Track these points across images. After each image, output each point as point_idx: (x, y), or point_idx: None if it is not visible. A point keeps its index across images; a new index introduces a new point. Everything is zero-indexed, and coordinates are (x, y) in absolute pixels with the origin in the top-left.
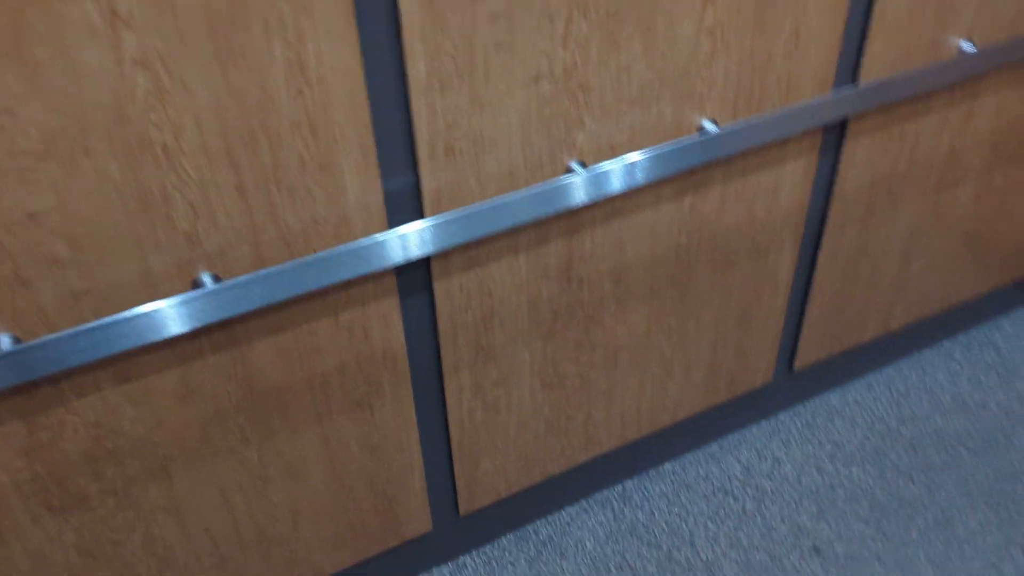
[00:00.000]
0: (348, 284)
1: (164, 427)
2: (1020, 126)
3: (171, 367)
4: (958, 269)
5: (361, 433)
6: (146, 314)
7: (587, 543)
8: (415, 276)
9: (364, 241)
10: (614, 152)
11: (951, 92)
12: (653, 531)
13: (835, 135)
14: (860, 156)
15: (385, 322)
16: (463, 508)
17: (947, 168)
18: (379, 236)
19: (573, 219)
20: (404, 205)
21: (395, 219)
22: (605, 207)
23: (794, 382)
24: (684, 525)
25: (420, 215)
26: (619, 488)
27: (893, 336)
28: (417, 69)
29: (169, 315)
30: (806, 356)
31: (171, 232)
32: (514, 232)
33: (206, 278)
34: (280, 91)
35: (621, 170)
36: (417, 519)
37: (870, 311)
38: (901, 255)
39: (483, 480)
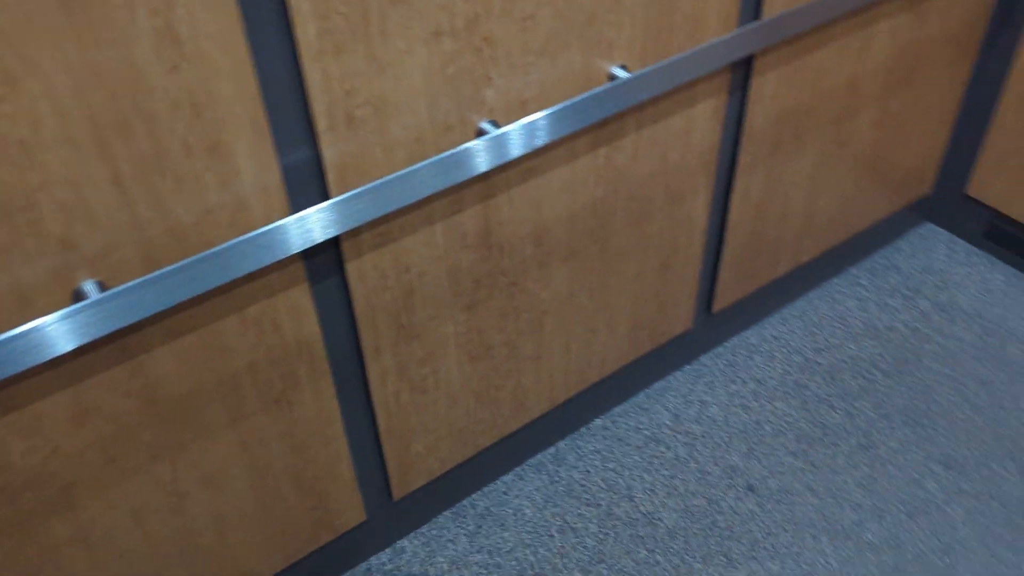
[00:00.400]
0: (252, 276)
1: (60, 455)
2: (911, 50)
3: (60, 389)
4: (860, 196)
5: (282, 431)
6: (23, 335)
7: (526, 510)
8: (325, 259)
9: (265, 228)
10: (525, 108)
11: (849, 20)
12: (590, 489)
13: (742, 72)
14: (767, 92)
15: (296, 312)
16: (397, 492)
17: (848, 97)
18: (281, 221)
19: (488, 183)
20: (306, 183)
21: (297, 200)
22: (519, 167)
23: (713, 324)
24: (620, 479)
25: (324, 193)
26: (552, 450)
27: (803, 269)
28: (307, 31)
29: (50, 334)
30: (724, 298)
31: (41, 239)
32: (427, 202)
33: (89, 287)
34: (152, 67)
35: (533, 127)
36: (350, 510)
37: (781, 247)
38: (809, 188)
39: (415, 462)
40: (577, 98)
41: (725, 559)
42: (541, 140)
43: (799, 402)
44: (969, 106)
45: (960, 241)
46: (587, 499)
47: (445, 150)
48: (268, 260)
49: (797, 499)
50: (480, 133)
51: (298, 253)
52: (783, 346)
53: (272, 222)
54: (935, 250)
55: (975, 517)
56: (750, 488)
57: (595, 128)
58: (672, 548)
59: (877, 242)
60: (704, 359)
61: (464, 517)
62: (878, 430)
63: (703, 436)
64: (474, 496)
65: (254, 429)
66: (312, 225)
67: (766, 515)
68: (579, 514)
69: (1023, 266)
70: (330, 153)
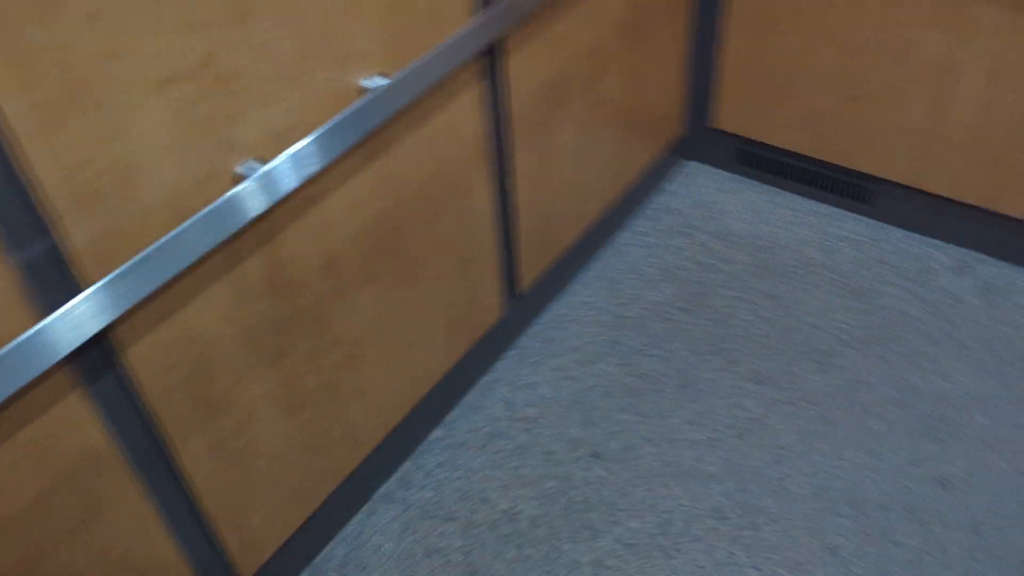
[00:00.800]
0: (12, 398)
1: None
2: (640, 4)
3: None
4: (625, 150)
5: (95, 555)
6: None
7: (385, 546)
8: (97, 354)
9: (13, 344)
10: (286, 138)
11: None
12: (445, 504)
13: (494, 57)
14: (521, 71)
15: (75, 422)
16: (244, 573)
17: (594, 60)
18: (32, 330)
19: (266, 224)
20: (53, 279)
21: (48, 300)
22: (295, 199)
23: (522, 306)
24: (471, 485)
25: (81, 283)
26: (397, 476)
27: (591, 232)
28: (14, 107)
29: None
30: (526, 278)
31: None
32: (203, 261)
33: None
34: None
35: (299, 155)
36: None
37: (568, 216)
38: (578, 153)
39: (256, 535)
40: (337, 116)
41: (590, 531)
42: (311, 167)
43: (617, 359)
44: (698, 44)
45: (720, 172)
46: (444, 515)
47: (210, 202)
48: (27, 378)
49: (639, 453)
50: (242, 177)
51: (64, 356)
52: (591, 309)
53: (21, 334)
54: (701, 185)
55: (792, 422)
56: (595, 455)
57: (365, 142)
58: (538, 537)
59: (649, 189)
60: (522, 342)
61: (324, 572)
62: (692, 366)
63: (539, 418)
64: (330, 547)
65: (62, 563)
66: (73, 323)
67: (616, 477)
68: (440, 533)
69: (777, 183)
70: (78, 236)
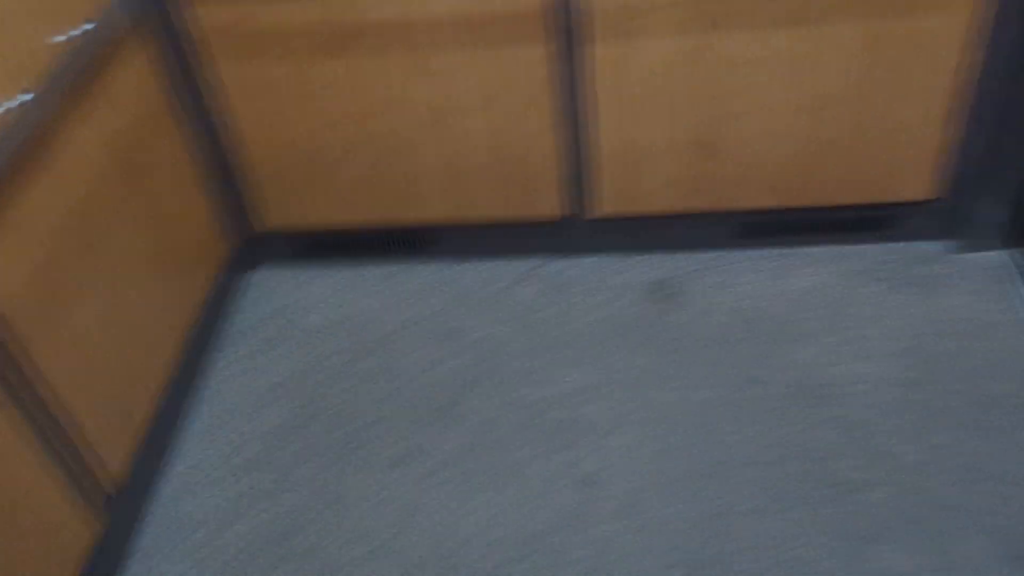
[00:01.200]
0: None
1: None
2: (125, 144)
3: None
4: (177, 287)
5: None
6: None
7: None
8: None
9: None
10: None
11: (41, 146)
12: None
13: None
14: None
15: None
16: None
17: (95, 216)
18: None
19: None
20: None
21: None
22: None
23: (122, 507)
24: None
25: None
26: None
27: (173, 388)
28: None
29: None
30: (114, 476)
31: None
32: None
33: None
34: None
35: None
36: None
37: (136, 385)
38: (124, 315)
39: None
40: None
41: None
42: None
43: (254, 509)
44: (210, 158)
45: (290, 270)
46: None
47: None
48: None
49: (328, 557)
50: None
51: None
52: (205, 469)
53: None
54: (275, 289)
55: (442, 490)
56: None
57: None
58: None
59: (224, 314)
60: (140, 543)
61: None
62: (332, 479)
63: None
64: None
65: None
66: None
67: None
68: None
69: (346, 261)
70: None
